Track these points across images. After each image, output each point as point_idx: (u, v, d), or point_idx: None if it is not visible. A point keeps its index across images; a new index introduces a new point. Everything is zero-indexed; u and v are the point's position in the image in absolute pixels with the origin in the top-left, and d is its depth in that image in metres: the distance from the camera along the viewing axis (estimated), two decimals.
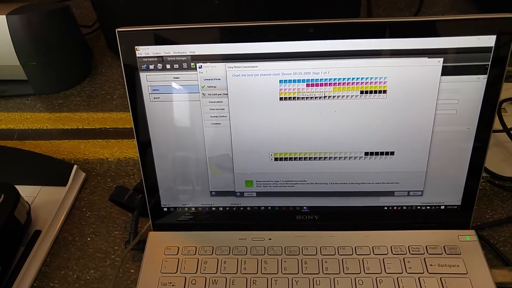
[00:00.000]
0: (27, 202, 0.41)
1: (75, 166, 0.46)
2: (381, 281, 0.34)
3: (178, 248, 0.37)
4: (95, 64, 0.67)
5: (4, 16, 0.54)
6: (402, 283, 0.33)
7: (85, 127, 0.55)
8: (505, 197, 0.42)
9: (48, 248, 0.40)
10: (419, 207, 0.37)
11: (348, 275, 0.34)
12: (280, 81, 0.33)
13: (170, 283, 0.35)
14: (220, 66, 0.33)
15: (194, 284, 0.34)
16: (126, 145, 0.52)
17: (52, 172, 0.47)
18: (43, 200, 0.44)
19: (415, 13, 0.68)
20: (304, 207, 0.38)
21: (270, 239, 0.37)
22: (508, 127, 0.46)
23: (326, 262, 0.35)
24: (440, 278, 0.33)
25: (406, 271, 0.34)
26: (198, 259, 0.36)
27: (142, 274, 0.36)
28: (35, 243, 0.39)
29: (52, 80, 0.61)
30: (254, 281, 0.34)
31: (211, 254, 0.36)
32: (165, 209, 0.39)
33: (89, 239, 0.41)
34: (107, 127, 0.55)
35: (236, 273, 0.35)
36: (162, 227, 0.39)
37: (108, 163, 0.49)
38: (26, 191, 0.43)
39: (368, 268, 0.35)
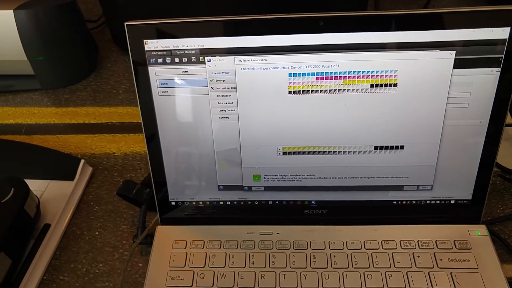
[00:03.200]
0: (36, 196, 0.42)
1: (82, 161, 0.46)
2: (390, 275, 0.34)
3: (186, 242, 0.37)
4: (100, 58, 0.67)
5: (12, 11, 0.54)
6: (411, 278, 0.33)
7: (92, 122, 0.55)
8: None
9: (58, 241, 0.40)
10: (428, 202, 0.37)
11: (357, 270, 0.34)
12: (289, 75, 0.33)
13: (179, 277, 0.35)
14: (228, 60, 0.33)
15: (202, 278, 0.35)
16: (132, 139, 0.52)
17: (60, 166, 0.47)
18: (52, 194, 0.44)
19: (424, 5, 0.67)
20: (313, 202, 0.38)
21: (278, 233, 0.37)
22: None
23: (334, 256, 0.35)
24: (450, 273, 0.33)
25: (415, 266, 0.34)
26: (206, 253, 0.36)
27: (150, 268, 0.36)
28: (44, 236, 0.39)
29: (59, 75, 0.61)
30: (263, 275, 0.34)
31: (219, 248, 0.36)
32: (173, 203, 0.39)
33: (97, 233, 0.41)
34: (114, 121, 0.55)
35: (244, 267, 0.35)
36: (170, 221, 0.39)
37: (115, 157, 0.49)
38: (34, 185, 0.43)
39: (377, 263, 0.34)
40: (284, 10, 0.58)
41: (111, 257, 0.39)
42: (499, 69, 0.32)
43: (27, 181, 0.40)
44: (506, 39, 0.31)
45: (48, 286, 0.37)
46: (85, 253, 0.39)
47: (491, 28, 0.31)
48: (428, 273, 0.33)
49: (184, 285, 0.34)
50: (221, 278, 0.34)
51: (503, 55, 0.31)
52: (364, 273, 0.34)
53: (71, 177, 0.45)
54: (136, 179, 0.46)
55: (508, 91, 0.33)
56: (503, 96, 0.33)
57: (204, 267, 0.35)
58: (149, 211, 0.40)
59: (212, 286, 0.34)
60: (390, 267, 0.34)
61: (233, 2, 0.57)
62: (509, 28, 0.31)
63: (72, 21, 0.60)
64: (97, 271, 0.38)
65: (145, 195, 0.39)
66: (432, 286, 0.33)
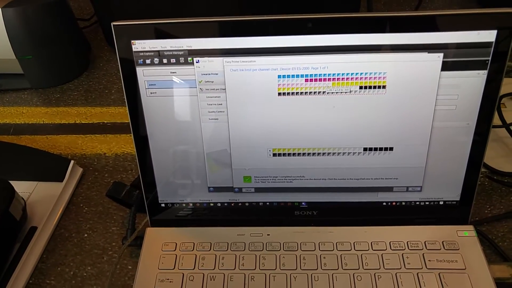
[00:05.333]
0: (22, 198, 0.41)
1: (72, 162, 0.46)
2: (379, 277, 0.34)
3: (176, 244, 0.37)
4: (93, 58, 0.66)
5: (0, 9, 0.54)
6: (400, 279, 0.33)
7: (83, 122, 0.55)
8: (504, 193, 0.42)
9: (44, 244, 0.39)
10: (418, 203, 0.37)
11: (346, 271, 0.34)
12: (279, 76, 0.33)
13: (168, 279, 0.35)
14: (217, 61, 0.32)
15: (192, 280, 0.34)
16: (124, 140, 0.52)
17: (49, 167, 0.46)
18: (40, 196, 0.44)
19: (415, 7, 0.67)
20: (303, 203, 0.38)
21: (269, 234, 0.37)
22: (508, 122, 0.46)
23: (324, 258, 0.35)
24: (439, 274, 0.33)
25: (404, 267, 0.34)
26: (196, 255, 0.36)
27: (139, 271, 0.35)
28: (31, 239, 0.39)
29: (48, 74, 0.60)
30: (252, 277, 0.34)
31: (209, 250, 0.36)
32: (163, 205, 0.38)
33: (86, 235, 0.41)
34: (105, 121, 0.55)
35: (234, 269, 0.35)
36: (160, 223, 0.38)
37: (106, 158, 0.49)
38: (21, 187, 0.43)
39: (366, 264, 0.34)
40: (276, 11, 0.58)
41: (100, 260, 0.38)
42: (486, 71, 0.32)
43: (14, 182, 0.39)
44: (492, 42, 0.31)
45: None
46: (73, 255, 0.39)
47: (478, 31, 0.31)
48: (417, 274, 0.34)
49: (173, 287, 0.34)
50: (211, 280, 0.34)
51: (490, 58, 0.31)
52: (353, 274, 0.34)
53: (60, 178, 0.45)
54: (127, 180, 0.46)
55: (495, 94, 0.33)
56: (490, 97, 0.33)
57: (193, 269, 0.35)
58: (139, 213, 0.40)
59: None
60: (379, 268, 0.34)
61: (224, 3, 0.57)
62: (495, 31, 0.31)
63: (62, 19, 0.59)
64: (85, 274, 0.37)
65: (134, 196, 0.39)
66: (420, 286, 0.33)
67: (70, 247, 0.40)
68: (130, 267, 0.38)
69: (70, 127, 0.54)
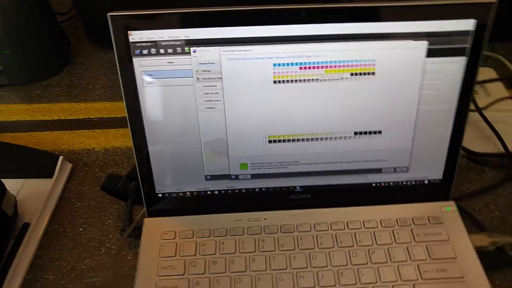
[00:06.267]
0: (12, 195, 0.40)
1: (61, 157, 0.45)
2: (373, 252, 0.36)
3: (175, 232, 0.37)
4: (73, 53, 0.65)
5: None
6: (392, 253, 0.36)
7: (68, 118, 0.53)
8: (479, 171, 0.45)
9: (39, 240, 0.39)
10: (405, 183, 0.39)
11: (342, 249, 0.36)
12: (274, 65, 0.34)
13: (170, 266, 0.35)
14: (214, 50, 0.33)
15: (194, 266, 0.35)
16: (112, 134, 0.51)
17: (36, 164, 0.45)
18: (29, 193, 0.42)
19: None
20: (297, 187, 0.39)
21: (266, 218, 0.38)
22: (480, 107, 0.50)
23: (320, 237, 0.37)
24: (426, 246, 0.36)
25: (395, 242, 0.36)
26: (196, 242, 0.37)
27: (140, 260, 0.36)
28: (24, 236, 0.38)
29: (27, 70, 0.58)
30: (253, 259, 0.35)
31: (209, 237, 0.37)
32: (160, 195, 0.39)
33: (81, 229, 0.40)
34: (91, 117, 0.54)
35: (234, 253, 0.36)
36: (158, 213, 0.39)
37: (95, 153, 0.48)
38: (8, 185, 0.41)
39: (360, 241, 0.37)
40: (270, 1, 0.59)
41: (98, 252, 0.38)
42: (465, 58, 0.35)
43: None
44: (471, 30, 0.34)
45: (32, 285, 0.36)
46: (70, 250, 0.38)
47: (458, 20, 0.33)
48: (407, 247, 0.36)
49: (176, 274, 0.35)
50: (213, 264, 0.35)
51: (469, 45, 0.34)
52: (349, 251, 0.36)
53: (49, 175, 0.44)
54: (119, 173, 0.45)
55: (473, 78, 0.36)
56: (468, 83, 0.36)
57: (195, 255, 0.36)
58: (135, 204, 0.40)
59: (204, 273, 0.35)
60: (372, 244, 0.36)
61: None
62: (474, 20, 0.33)
63: (39, 14, 0.58)
64: (83, 267, 0.37)
65: (130, 188, 0.39)
66: (410, 258, 0.35)
67: (66, 241, 0.39)
68: (129, 257, 0.38)
69: (54, 124, 0.53)
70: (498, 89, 0.56)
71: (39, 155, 0.46)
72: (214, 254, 0.36)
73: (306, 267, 0.35)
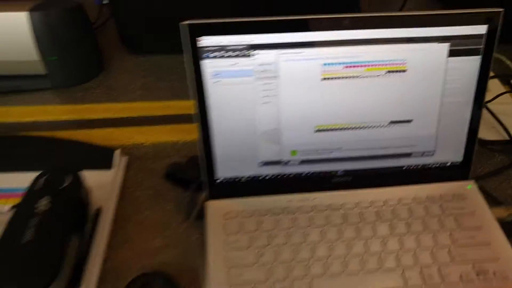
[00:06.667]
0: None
1: (117, 150, 0.49)
2: (410, 224, 0.41)
3: (235, 212, 0.42)
4: (106, 58, 0.69)
5: (26, 13, 0.55)
6: (427, 224, 0.41)
7: (113, 117, 0.58)
8: (489, 156, 0.52)
9: (110, 224, 0.43)
10: (431, 165, 0.45)
11: (384, 222, 0.41)
12: (324, 64, 0.39)
13: (236, 240, 0.40)
14: (272, 53, 0.39)
15: (257, 239, 0.40)
16: (157, 130, 0.55)
17: (95, 157, 0.49)
18: (93, 183, 0.46)
19: (400, 7, 0.77)
20: (340, 171, 0.45)
21: (315, 198, 0.44)
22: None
23: (363, 213, 0.42)
24: (454, 218, 0.42)
25: (428, 215, 0.42)
26: (255, 220, 0.42)
27: (209, 237, 0.40)
28: (98, 220, 0.42)
29: (71, 74, 0.62)
30: (308, 233, 0.40)
31: (266, 215, 0.42)
32: (219, 180, 0.43)
33: (146, 214, 0.45)
34: (134, 115, 0.58)
35: (291, 228, 0.41)
36: (217, 196, 0.43)
37: (144, 147, 0.53)
38: None
39: (398, 216, 0.42)
40: (282, 10, 0.65)
41: (165, 234, 0.42)
42: (480, 57, 0.41)
43: None
44: (484, 33, 0.40)
45: (111, 261, 0.40)
46: (139, 232, 0.43)
47: (474, 25, 0.40)
48: (438, 219, 0.42)
49: (242, 246, 0.39)
50: (273, 238, 0.40)
51: (483, 46, 0.40)
52: (389, 224, 0.41)
53: (108, 166, 0.48)
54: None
55: (486, 74, 0.42)
56: (483, 78, 0.42)
57: (256, 231, 0.41)
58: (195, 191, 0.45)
59: (267, 245, 0.39)
60: (409, 218, 0.42)
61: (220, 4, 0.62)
62: (486, 26, 0.40)
63: (81, 22, 0.62)
64: (154, 246, 0.41)
65: (195, 175, 0.44)
66: (442, 228, 0.41)
67: (134, 225, 0.43)
68: (195, 237, 0.42)
69: (101, 122, 0.57)
70: (495, 85, 0.63)
71: (97, 149, 0.51)
72: (273, 229, 0.41)
73: (355, 238, 0.40)
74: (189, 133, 0.55)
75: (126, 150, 0.52)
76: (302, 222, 0.41)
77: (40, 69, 0.60)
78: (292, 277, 0.37)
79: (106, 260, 0.40)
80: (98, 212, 0.43)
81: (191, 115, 0.59)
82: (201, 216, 0.43)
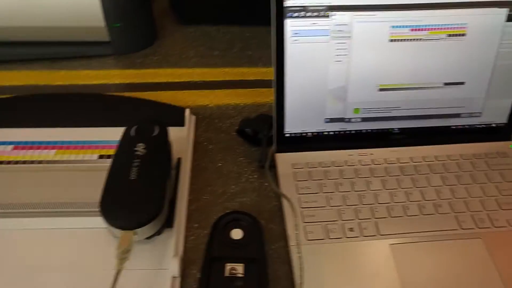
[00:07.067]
0: None
1: (187, 109, 0.53)
2: (459, 176, 0.46)
3: (303, 164, 0.47)
4: (158, 27, 0.72)
5: None
6: (475, 177, 0.46)
7: (175, 81, 0.62)
8: None
9: (190, 171, 0.48)
10: (478, 126, 0.50)
11: (436, 174, 0.46)
12: (392, 27, 0.43)
13: (306, 187, 0.44)
14: (348, 15, 0.42)
15: (325, 186, 0.45)
16: (219, 94, 0.60)
17: (169, 115, 0.53)
18: (171, 138, 0.50)
19: None
20: (396, 129, 0.49)
21: (372, 154, 0.48)
22: None
23: (418, 167, 0.47)
24: (499, 172, 0.46)
25: (475, 170, 0.47)
26: (322, 170, 0.46)
27: (281, 183, 0.45)
28: (180, 167, 0.47)
29: (131, 41, 0.66)
30: (370, 182, 0.45)
31: (330, 167, 0.47)
32: (287, 135, 0.48)
33: (219, 164, 0.49)
34: (195, 80, 0.62)
35: (354, 178, 0.46)
36: (285, 149, 0.48)
37: (209, 108, 0.57)
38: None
39: (448, 169, 0.47)
40: None
41: (239, 181, 0.47)
42: None
43: None
44: None
45: (195, 203, 0.45)
46: (216, 179, 0.47)
47: None
48: (485, 173, 0.46)
49: (313, 192, 0.44)
50: (340, 185, 0.45)
51: None
52: (441, 176, 0.46)
53: (180, 124, 0.52)
54: (235, 124, 0.54)
55: None
56: None
57: (323, 180, 0.45)
58: (256, 146, 0.49)
59: (334, 192, 0.44)
60: (458, 171, 0.47)
61: None
62: None
63: None
64: (232, 191, 0.46)
65: (264, 130, 0.48)
66: (490, 181, 0.46)
67: (210, 173, 0.48)
68: (266, 184, 0.47)
69: (164, 85, 0.61)
70: None
71: (169, 108, 0.55)
72: (338, 179, 0.45)
73: (412, 187, 0.45)
74: (248, 97, 0.59)
75: (193, 110, 0.56)
76: (364, 173, 0.46)
77: (104, 36, 0.64)
78: (360, 218, 0.42)
79: (190, 203, 0.45)
80: (179, 161, 0.47)
81: (247, 81, 0.64)
82: (270, 166, 0.47)
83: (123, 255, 0.34)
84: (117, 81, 0.61)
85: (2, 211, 0.42)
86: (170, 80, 0.62)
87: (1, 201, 0.42)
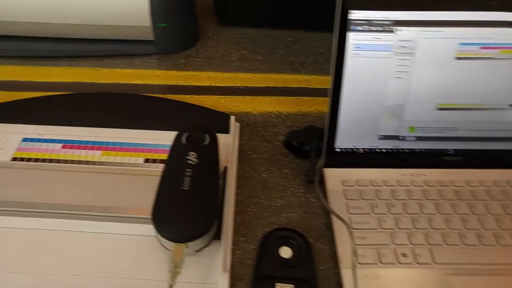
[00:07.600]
0: None
1: (232, 116, 0.53)
2: None
3: (353, 181, 0.45)
4: (200, 28, 0.72)
5: None
6: None
7: (218, 85, 0.61)
8: None
9: (235, 181, 0.47)
10: None
11: (494, 201, 0.44)
12: (460, 44, 0.41)
13: (357, 206, 0.43)
14: (414, 30, 0.40)
15: (376, 207, 0.43)
16: (262, 101, 0.58)
17: (214, 121, 0.53)
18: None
19: None
20: (450, 150, 0.47)
21: (425, 175, 0.46)
22: None
23: (475, 192, 0.44)
24: None
25: None
26: (373, 189, 0.44)
27: (330, 200, 0.43)
28: (226, 178, 0.46)
29: (175, 41, 0.65)
30: (424, 205, 0.43)
31: (382, 186, 0.45)
32: (337, 150, 0.46)
33: (264, 175, 0.48)
34: (238, 85, 0.61)
35: (406, 200, 0.44)
36: (334, 165, 0.46)
37: (253, 115, 0.56)
38: None
39: (508, 197, 0.44)
40: None
41: (285, 194, 0.46)
42: None
43: None
44: None
45: (241, 215, 0.44)
46: (261, 190, 0.46)
47: None
48: None
49: (364, 212, 0.42)
50: (391, 207, 0.43)
51: None
52: (499, 203, 0.43)
53: (224, 131, 0.51)
54: (279, 134, 0.53)
55: None
56: None
57: (374, 200, 0.44)
58: (303, 158, 0.48)
59: (386, 214, 0.42)
60: None
61: None
62: None
63: None
64: (278, 204, 0.45)
65: (313, 143, 0.47)
66: None
67: (256, 184, 0.47)
68: (313, 200, 0.46)
69: (207, 89, 0.60)
70: None
71: (214, 114, 0.54)
72: (390, 199, 0.44)
73: (469, 214, 0.43)
74: (291, 105, 0.58)
75: (236, 117, 0.55)
76: (416, 195, 0.44)
77: (149, 35, 0.63)
78: (413, 243, 0.41)
79: (236, 213, 0.44)
80: (225, 171, 0.46)
81: (290, 88, 0.62)
82: (318, 181, 0.46)
83: (176, 269, 0.34)
84: (160, 82, 0.61)
85: (51, 211, 0.42)
86: (213, 84, 0.61)
87: (50, 201, 0.43)
